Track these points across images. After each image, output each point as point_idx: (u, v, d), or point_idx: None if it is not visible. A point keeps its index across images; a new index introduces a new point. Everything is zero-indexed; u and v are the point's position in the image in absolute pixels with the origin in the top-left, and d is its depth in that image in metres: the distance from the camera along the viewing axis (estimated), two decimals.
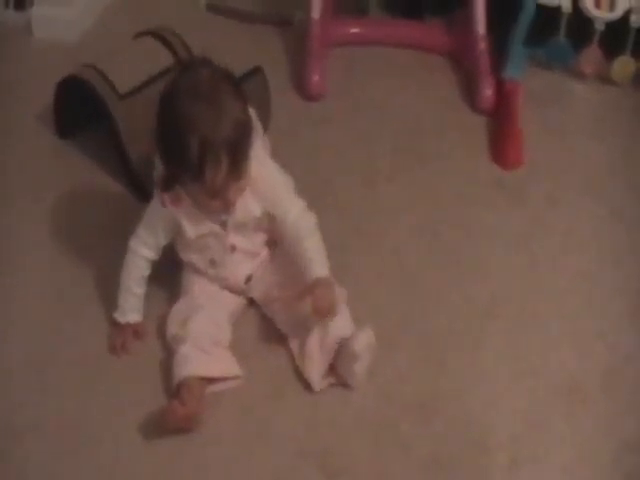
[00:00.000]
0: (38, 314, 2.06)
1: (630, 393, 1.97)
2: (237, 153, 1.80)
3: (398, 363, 1.98)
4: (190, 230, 1.93)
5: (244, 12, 3.04)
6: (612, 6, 2.77)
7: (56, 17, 2.82)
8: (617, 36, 2.79)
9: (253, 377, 1.92)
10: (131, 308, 1.99)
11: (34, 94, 2.57)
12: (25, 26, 2.84)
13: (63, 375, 1.93)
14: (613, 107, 2.78)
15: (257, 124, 1.98)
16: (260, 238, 2.03)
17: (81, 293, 2.10)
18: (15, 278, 2.13)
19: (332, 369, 1.93)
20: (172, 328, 1.95)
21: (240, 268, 2.02)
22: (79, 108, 2.41)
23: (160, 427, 1.82)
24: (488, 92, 2.69)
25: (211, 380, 1.89)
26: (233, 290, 2.04)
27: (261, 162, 1.93)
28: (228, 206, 1.89)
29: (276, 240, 2.04)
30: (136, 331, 2.00)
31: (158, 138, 1.84)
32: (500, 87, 2.71)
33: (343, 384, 1.93)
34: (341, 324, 1.93)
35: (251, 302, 2.08)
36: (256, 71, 2.37)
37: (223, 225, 1.95)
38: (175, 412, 1.78)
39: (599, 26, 2.79)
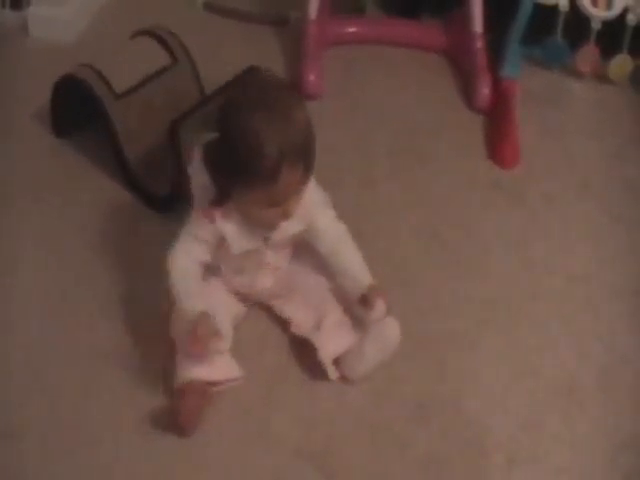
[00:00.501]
0: (37, 314, 2.05)
1: (627, 393, 1.98)
2: (308, 159, 1.81)
3: (396, 363, 1.97)
4: (235, 246, 1.90)
5: (241, 12, 3.04)
6: (609, 5, 2.77)
7: (53, 17, 2.82)
8: (614, 35, 2.80)
9: (251, 377, 1.92)
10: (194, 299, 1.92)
11: (31, 94, 2.57)
12: (22, 26, 2.83)
13: (62, 375, 1.93)
14: (610, 106, 2.78)
15: None
16: (287, 253, 2.04)
17: (80, 293, 2.10)
18: (13, 278, 2.13)
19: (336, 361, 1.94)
20: (177, 328, 1.93)
21: (265, 281, 2.01)
22: (76, 108, 2.41)
23: (162, 427, 1.82)
24: (485, 91, 2.69)
25: (213, 382, 1.88)
26: (245, 296, 2.03)
27: None
28: (287, 216, 1.87)
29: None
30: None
31: (223, 152, 1.80)
32: (497, 86, 2.72)
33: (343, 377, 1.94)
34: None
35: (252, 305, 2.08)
36: (252, 70, 2.36)
37: (265, 241, 1.94)
38: (178, 414, 1.79)
39: (596, 25, 2.79)
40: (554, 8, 2.79)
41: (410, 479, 1.79)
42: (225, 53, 2.80)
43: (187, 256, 1.91)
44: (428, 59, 2.90)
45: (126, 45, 2.48)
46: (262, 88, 1.82)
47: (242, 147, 1.76)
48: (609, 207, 2.42)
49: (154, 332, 2.01)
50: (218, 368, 1.89)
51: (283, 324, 2.04)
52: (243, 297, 2.04)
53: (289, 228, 1.93)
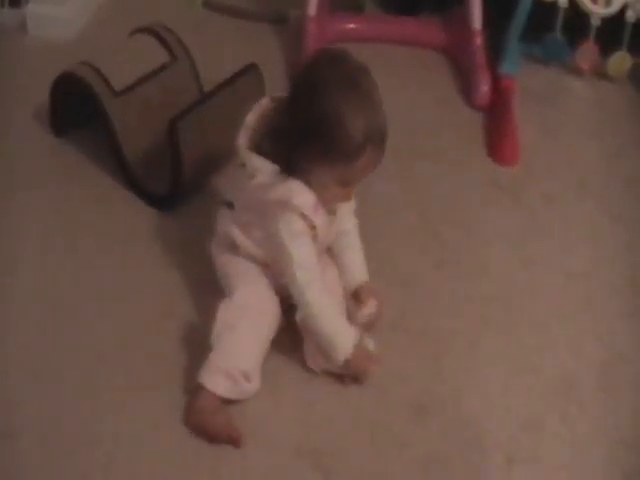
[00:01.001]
0: (37, 314, 2.05)
1: (626, 392, 1.98)
2: (385, 144, 1.83)
3: (394, 362, 1.98)
4: (322, 233, 1.89)
5: (240, 9, 3.04)
6: (608, 1, 2.78)
7: (51, 15, 2.82)
8: (613, 31, 2.80)
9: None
10: (350, 335, 1.88)
11: (29, 92, 2.56)
12: (20, 24, 2.83)
13: (62, 375, 1.92)
14: (609, 103, 2.79)
15: None
16: None
17: (80, 292, 2.09)
18: (12, 278, 2.12)
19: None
20: (218, 326, 1.87)
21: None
22: (75, 106, 2.41)
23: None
24: (484, 88, 2.70)
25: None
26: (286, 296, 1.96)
27: None
28: (349, 198, 1.91)
29: None
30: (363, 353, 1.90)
31: (308, 128, 1.79)
32: (496, 83, 2.72)
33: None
34: None
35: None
36: (251, 68, 2.36)
37: (331, 220, 1.94)
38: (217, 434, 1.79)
39: (595, 22, 2.79)
40: (553, 5, 2.79)
41: (409, 479, 1.79)
42: (224, 51, 2.80)
43: (310, 274, 1.85)
44: (427, 57, 2.90)
45: (125, 43, 2.47)
46: (348, 68, 1.82)
47: (330, 124, 1.77)
48: (608, 205, 2.42)
49: (154, 332, 2.01)
50: (240, 392, 1.86)
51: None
52: (283, 298, 1.97)
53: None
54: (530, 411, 1.93)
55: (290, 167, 1.84)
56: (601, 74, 2.85)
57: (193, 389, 1.85)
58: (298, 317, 1.90)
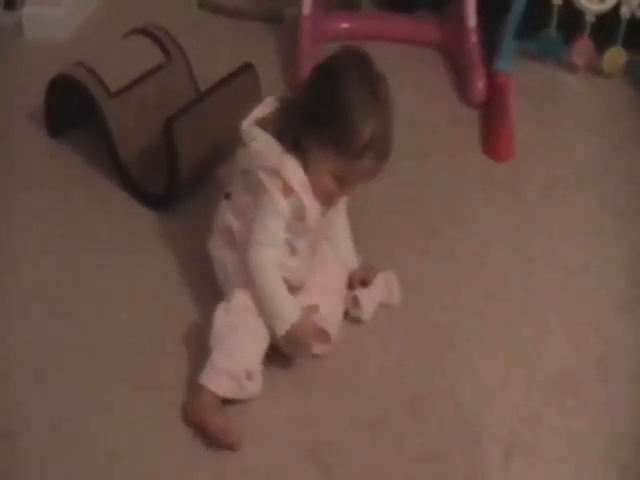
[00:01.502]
0: (36, 314, 2.05)
1: (624, 384, 1.98)
2: (388, 157, 1.85)
3: (392, 357, 1.99)
4: (311, 217, 1.89)
5: (235, 9, 3.04)
6: None
7: (47, 16, 2.82)
8: (608, 28, 2.80)
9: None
10: (295, 305, 1.90)
11: (25, 93, 2.57)
12: (16, 26, 2.84)
13: (61, 375, 1.92)
14: (604, 99, 2.79)
15: None
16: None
17: (79, 292, 2.10)
18: (12, 278, 2.12)
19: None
20: (217, 328, 1.87)
21: (310, 269, 2.01)
22: (70, 107, 2.41)
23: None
24: (479, 85, 2.70)
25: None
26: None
27: None
28: (337, 200, 1.93)
29: None
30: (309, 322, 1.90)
31: (324, 109, 1.81)
32: (492, 80, 2.73)
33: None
34: None
35: None
36: (247, 68, 2.37)
37: (322, 215, 1.95)
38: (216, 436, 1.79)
39: (590, 18, 2.79)
40: (548, 2, 2.79)
41: (408, 473, 1.79)
42: (220, 51, 2.80)
43: (270, 244, 1.88)
44: (423, 54, 2.91)
45: (120, 44, 2.48)
46: (370, 73, 1.84)
47: (344, 113, 1.79)
48: (605, 200, 2.43)
49: (154, 331, 2.01)
50: (242, 391, 1.86)
51: None
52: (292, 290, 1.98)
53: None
54: (529, 405, 1.93)
55: (292, 146, 1.85)
56: (596, 70, 2.85)
57: (194, 389, 1.85)
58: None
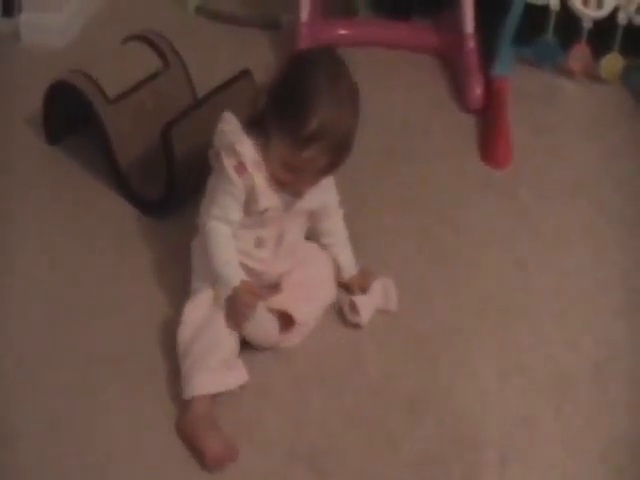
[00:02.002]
0: (34, 317, 2.05)
1: (619, 388, 1.98)
2: (337, 157, 1.86)
3: (389, 360, 1.99)
4: (263, 199, 1.90)
5: (233, 16, 3.05)
6: (600, 4, 2.78)
7: (44, 23, 2.83)
8: (605, 34, 2.81)
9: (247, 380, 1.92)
10: (239, 271, 1.92)
11: (23, 100, 2.57)
12: (13, 32, 2.84)
13: (59, 378, 1.92)
14: (602, 105, 2.79)
15: None
16: (300, 236, 2.06)
17: (76, 296, 2.10)
18: (11, 278, 2.13)
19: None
20: (187, 332, 1.90)
21: (279, 265, 2.01)
22: (68, 113, 2.42)
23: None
24: (477, 91, 2.70)
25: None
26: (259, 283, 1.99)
27: None
28: (296, 192, 1.93)
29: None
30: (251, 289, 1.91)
31: (285, 92, 1.85)
32: (489, 86, 2.72)
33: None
34: None
35: None
36: (244, 74, 2.37)
37: (288, 206, 1.95)
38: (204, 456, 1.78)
39: (587, 24, 2.80)
40: (545, 8, 2.80)
41: (404, 477, 1.79)
42: (217, 57, 2.81)
43: (223, 219, 1.91)
44: (420, 60, 2.91)
45: (118, 50, 2.48)
46: (340, 73, 1.86)
47: (300, 100, 1.81)
48: (602, 205, 2.43)
49: (151, 334, 2.01)
50: (227, 379, 1.87)
51: None
52: (264, 285, 2.00)
53: (313, 198, 1.97)
54: (525, 409, 1.93)
55: (258, 128, 1.89)
56: (593, 76, 2.86)
57: (182, 406, 1.85)
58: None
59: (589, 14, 2.79)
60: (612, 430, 1.90)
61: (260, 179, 1.88)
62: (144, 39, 2.45)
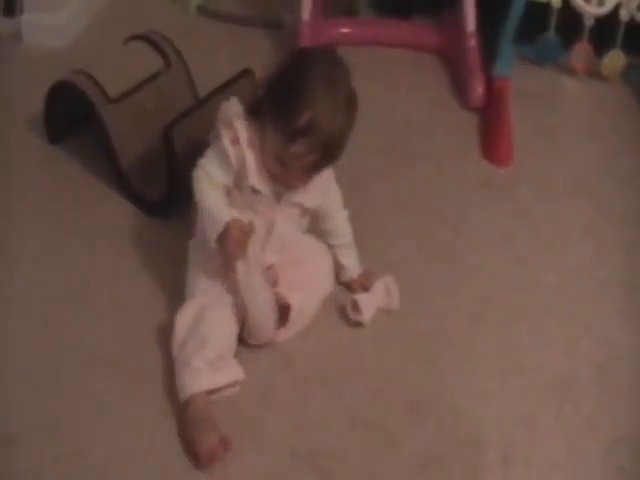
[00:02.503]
0: (34, 319, 2.05)
1: (620, 388, 1.98)
2: (326, 155, 1.87)
3: (388, 362, 1.99)
4: (252, 177, 1.91)
5: (234, 15, 3.05)
6: (601, 1, 2.78)
7: (46, 23, 2.83)
8: (607, 31, 2.80)
9: (246, 379, 1.91)
10: (230, 210, 1.93)
11: (24, 100, 2.58)
12: (15, 33, 2.85)
13: (59, 380, 1.92)
14: (603, 103, 2.79)
15: None
16: (295, 233, 2.05)
17: (76, 297, 2.10)
18: (11, 278, 2.13)
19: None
20: (181, 332, 1.92)
21: (269, 254, 2.00)
22: (70, 114, 2.42)
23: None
24: (478, 90, 2.70)
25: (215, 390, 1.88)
26: None
27: None
28: (287, 185, 1.93)
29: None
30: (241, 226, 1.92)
31: (282, 79, 1.87)
32: (490, 85, 2.72)
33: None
34: None
35: None
36: (246, 73, 2.37)
37: (279, 197, 1.96)
38: (198, 453, 1.78)
39: (588, 21, 2.80)
40: (546, 6, 2.79)
41: (405, 477, 1.79)
42: (219, 57, 2.81)
43: (212, 176, 1.93)
44: (421, 59, 2.91)
45: (120, 50, 2.48)
46: (339, 75, 1.87)
47: (295, 94, 1.82)
48: (603, 204, 2.43)
49: (151, 336, 2.01)
50: (223, 376, 1.88)
51: None
52: None
53: (307, 196, 1.98)
54: (526, 409, 1.93)
55: (256, 115, 1.91)
56: (595, 74, 2.85)
57: (180, 408, 1.85)
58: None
59: (591, 11, 2.79)
60: (613, 430, 1.89)
61: (251, 158, 1.90)
62: (145, 39, 2.45)
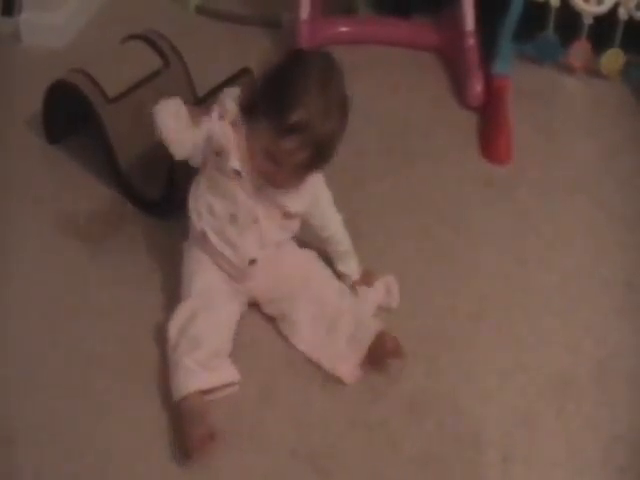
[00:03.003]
0: (33, 320, 2.05)
1: (620, 387, 1.98)
2: (318, 155, 1.87)
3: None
4: (235, 160, 1.91)
5: (233, 14, 3.05)
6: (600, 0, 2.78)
7: (45, 23, 2.83)
8: (605, 30, 2.80)
9: (244, 378, 1.92)
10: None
11: (23, 100, 2.57)
12: (13, 32, 2.84)
13: (59, 381, 1.93)
14: (602, 101, 2.79)
15: None
16: (279, 234, 2.04)
17: (75, 298, 2.10)
18: (9, 280, 2.13)
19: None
20: (174, 333, 1.92)
21: (250, 247, 1.99)
22: (68, 113, 2.42)
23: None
24: (477, 88, 2.70)
25: (210, 390, 1.88)
26: (234, 272, 2.01)
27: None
28: (274, 183, 1.93)
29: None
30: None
31: (278, 76, 1.88)
32: (489, 83, 2.72)
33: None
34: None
35: (250, 304, 2.07)
36: (245, 72, 2.37)
37: (258, 190, 1.95)
38: (189, 441, 1.78)
39: (587, 20, 2.80)
40: (545, 4, 2.79)
41: (406, 477, 1.79)
42: (218, 56, 2.80)
43: (186, 127, 1.94)
44: (420, 58, 2.91)
45: (118, 49, 2.48)
46: (332, 77, 1.88)
47: (289, 91, 1.84)
48: (602, 203, 2.43)
49: (150, 337, 2.01)
50: (217, 376, 1.88)
51: (277, 325, 2.05)
52: (238, 274, 2.01)
53: (292, 199, 1.97)
54: (526, 408, 1.93)
55: (250, 110, 1.91)
56: (594, 72, 2.86)
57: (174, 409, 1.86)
58: None
59: (589, 10, 2.79)
60: (613, 429, 1.90)
61: (232, 137, 1.91)
62: (144, 38, 2.45)
